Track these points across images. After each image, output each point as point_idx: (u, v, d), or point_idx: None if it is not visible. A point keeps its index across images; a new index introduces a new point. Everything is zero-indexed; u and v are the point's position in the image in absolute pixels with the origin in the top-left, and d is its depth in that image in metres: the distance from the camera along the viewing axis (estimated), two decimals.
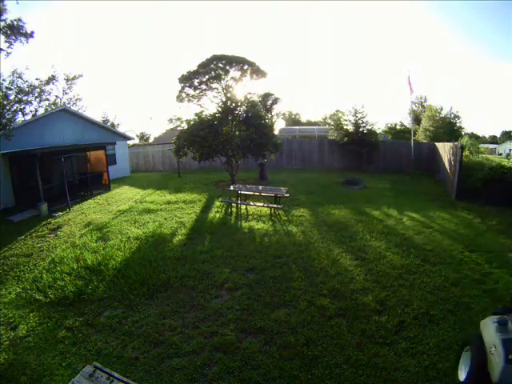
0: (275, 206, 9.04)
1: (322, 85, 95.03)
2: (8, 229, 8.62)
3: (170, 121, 13.21)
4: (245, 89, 13.14)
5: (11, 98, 10.43)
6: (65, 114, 14.11)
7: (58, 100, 26.42)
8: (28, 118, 21.18)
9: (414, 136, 18.28)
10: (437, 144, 15.83)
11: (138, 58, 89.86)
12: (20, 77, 13.95)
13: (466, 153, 14.38)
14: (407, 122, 33.02)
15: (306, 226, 8.04)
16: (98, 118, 23.48)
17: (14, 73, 14.10)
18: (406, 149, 17.35)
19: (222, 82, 12.62)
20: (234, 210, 9.73)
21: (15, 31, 8.62)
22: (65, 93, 26.99)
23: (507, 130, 60.03)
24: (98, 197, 12.17)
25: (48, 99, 25.48)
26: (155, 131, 50.17)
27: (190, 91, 12.88)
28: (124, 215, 9.56)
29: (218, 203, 10.61)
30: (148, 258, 6.30)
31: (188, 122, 12.66)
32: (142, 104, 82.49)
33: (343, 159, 18.44)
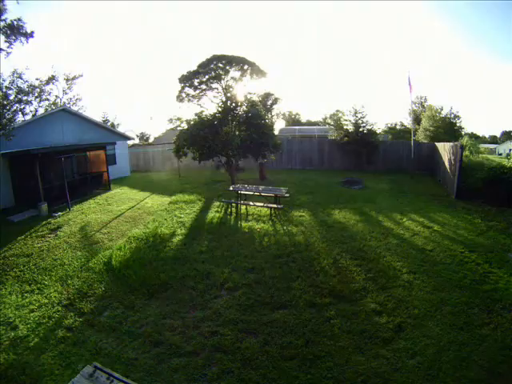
0: (275, 206, 9.03)
1: (322, 85, 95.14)
2: (8, 229, 8.61)
3: (170, 121, 13.18)
4: (245, 89, 13.12)
5: (11, 98, 10.42)
6: (65, 113, 14.11)
7: (58, 100, 26.43)
8: (28, 118, 21.19)
9: (414, 136, 18.26)
10: (437, 144, 15.82)
11: (138, 57, 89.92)
12: (20, 77, 13.91)
13: (466, 153, 14.41)
14: (407, 121, 33.04)
15: (305, 226, 8.04)
16: (98, 118, 23.52)
17: (14, 73, 14.08)
18: (405, 149, 17.34)
19: (222, 81, 12.59)
20: (233, 210, 9.73)
21: (15, 31, 8.63)
22: (65, 93, 27.01)
23: (507, 129, 60.13)
24: (98, 197, 12.16)
25: (48, 99, 25.49)
26: (155, 131, 50.15)
27: (190, 91, 12.85)
28: (124, 215, 9.56)
29: (217, 203, 10.61)
30: (148, 258, 6.31)
31: (188, 122, 12.63)
32: (142, 104, 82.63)
33: (343, 159, 18.43)
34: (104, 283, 5.53)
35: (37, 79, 23.91)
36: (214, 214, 9.43)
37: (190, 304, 4.84)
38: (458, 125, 22.74)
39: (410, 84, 15.89)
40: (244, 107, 12.80)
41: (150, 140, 38.00)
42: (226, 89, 12.67)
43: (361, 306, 4.62)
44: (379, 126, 20.04)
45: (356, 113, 17.85)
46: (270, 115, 13.99)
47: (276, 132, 17.91)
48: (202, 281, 5.49)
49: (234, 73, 12.62)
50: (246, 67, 12.66)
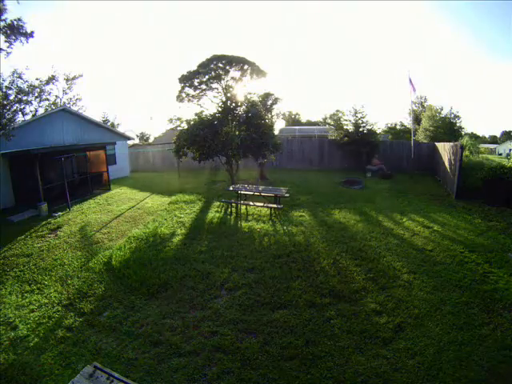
0: (275, 205, 9.03)
1: (322, 85, 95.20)
2: (8, 229, 8.61)
3: (170, 121, 13.18)
4: (245, 89, 13.12)
5: (11, 98, 10.43)
6: (65, 113, 14.10)
7: (58, 100, 26.38)
8: (28, 118, 21.16)
9: (414, 136, 18.25)
10: (437, 144, 15.82)
11: (138, 57, 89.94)
12: (20, 77, 13.92)
13: (466, 153, 14.41)
14: (407, 121, 33.00)
15: (305, 226, 8.04)
16: (98, 118, 23.53)
17: (14, 73, 14.07)
18: (405, 149, 17.35)
19: (222, 81, 12.59)
20: (233, 210, 9.73)
21: (15, 31, 8.62)
22: (65, 93, 26.96)
23: (507, 129, 60.22)
24: (98, 197, 12.16)
25: (48, 99, 25.42)
26: (155, 131, 50.22)
27: (190, 91, 12.85)
28: (124, 215, 9.56)
29: (217, 203, 10.61)
30: (148, 258, 6.31)
31: (188, 122, 12.63)
32: (142, 104, 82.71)
33: (343, 159, 18.43)
34: (104, 283, 5.53)
35: (37, 79, 23.85)
36: (213, 213, 9.43)
37: (190, 304, 4.84)
38: (457, 125, 22.72)
39: (412, 84, 15.83)
40: (244, 107, 12.79)
41: (150, 140, 37.92)
42: (226, 89, 12.67)
43: (361, 305, 4.62)
44: (379, 126, 20.04)
45: (356, 113, 17.84)
46: (269, 115, 13.94)
47: (276, 132, 17.88)
48: (202, 281, 5.49)
49: (233, 73, 12.63)
50: (245, 67, 12.66)
